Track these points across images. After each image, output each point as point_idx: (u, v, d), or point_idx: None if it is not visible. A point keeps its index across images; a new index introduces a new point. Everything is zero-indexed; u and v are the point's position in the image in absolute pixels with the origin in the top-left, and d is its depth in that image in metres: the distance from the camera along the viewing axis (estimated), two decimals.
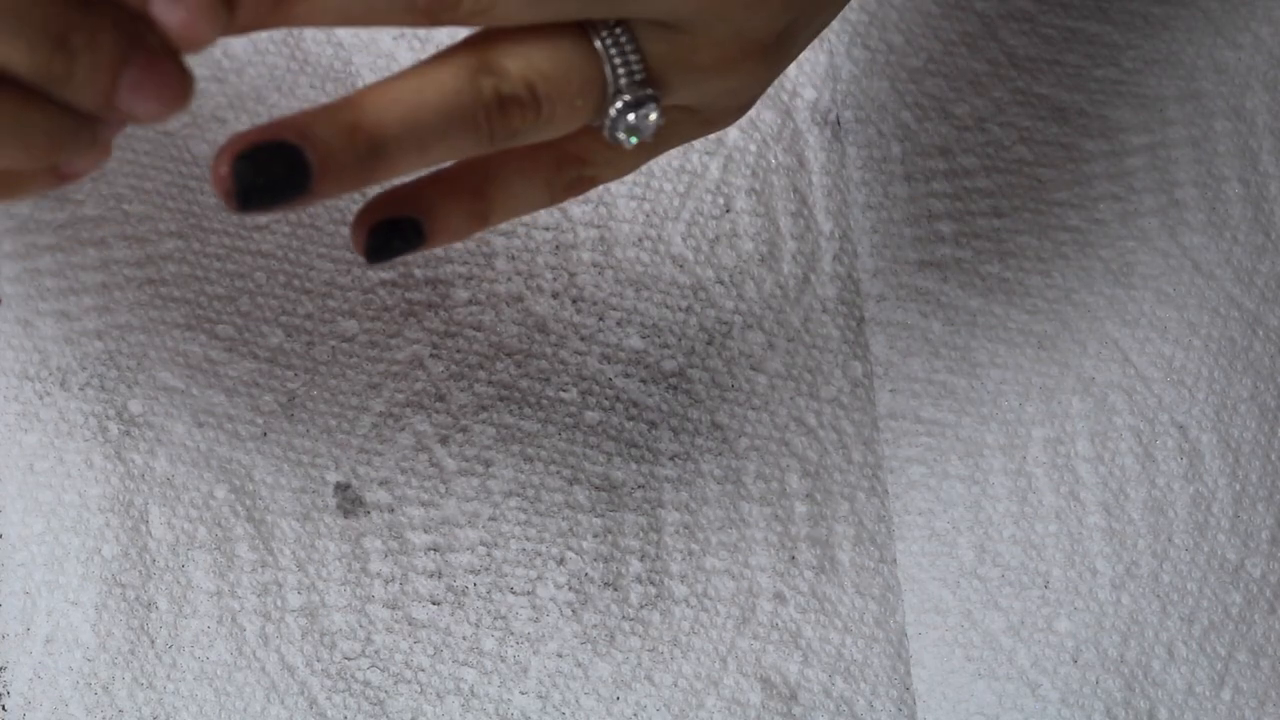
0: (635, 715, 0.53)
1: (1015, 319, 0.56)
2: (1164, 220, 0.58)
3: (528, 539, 0.53)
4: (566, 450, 0.54)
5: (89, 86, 0.37)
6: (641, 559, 0.54)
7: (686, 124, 0.44)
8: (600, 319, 0.55)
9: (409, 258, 0.54)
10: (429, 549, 0.53)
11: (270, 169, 0.38)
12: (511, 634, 0.53)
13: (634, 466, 0.54)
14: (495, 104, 0.40)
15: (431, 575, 0.53)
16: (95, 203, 0.54)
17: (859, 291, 0.56)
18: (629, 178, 0.56)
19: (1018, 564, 0.55)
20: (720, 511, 0.54)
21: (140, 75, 0.37)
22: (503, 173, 0.43)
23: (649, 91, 0.41)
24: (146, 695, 0.51)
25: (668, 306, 0.55)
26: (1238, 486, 0.56)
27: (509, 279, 0.55)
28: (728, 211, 0.56)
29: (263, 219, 0.54)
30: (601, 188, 0.55)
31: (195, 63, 0.55)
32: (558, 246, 0.55)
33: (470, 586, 0.53)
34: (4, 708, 0.51)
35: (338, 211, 0.54)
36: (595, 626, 0.53)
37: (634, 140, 0.42)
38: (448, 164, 0.42)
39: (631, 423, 0.54)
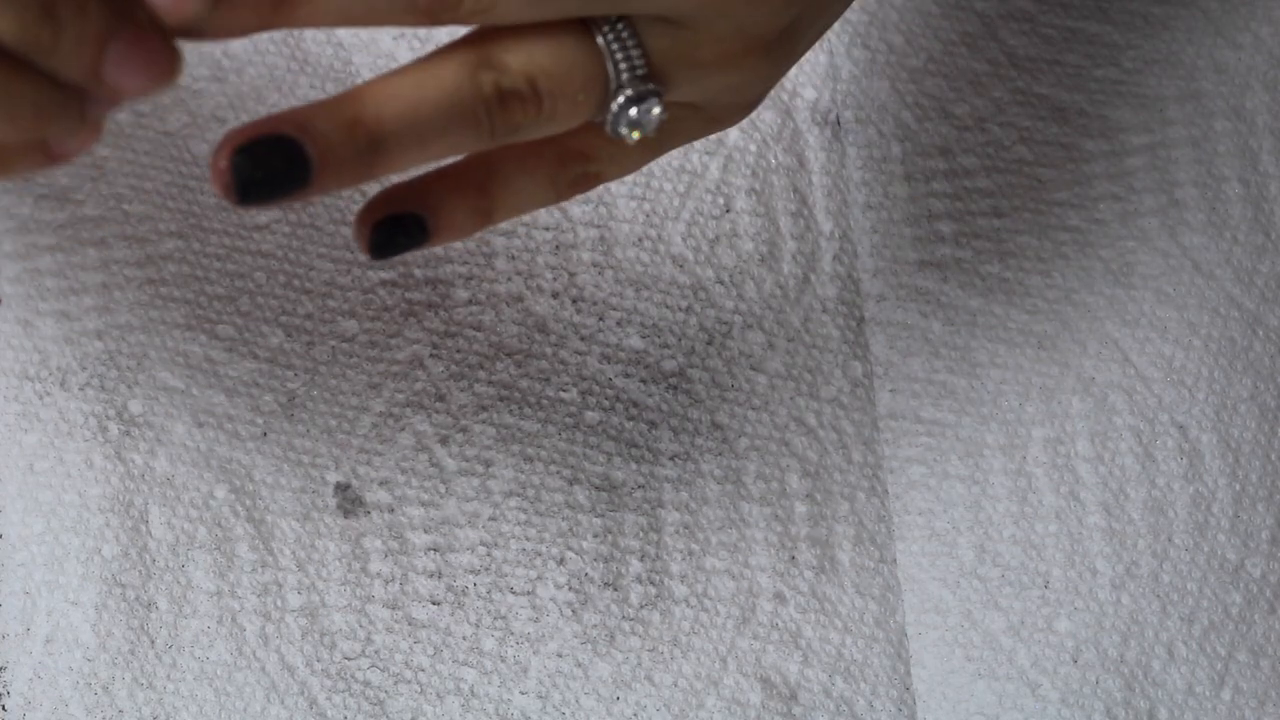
0: (635, 715, 0.53)
1: (1015, 319, 0.56)
2: (1164, 220, 0.58)
3: (528, 539, 0.53)
4: (567, 450, 0.54)
5: (75, 57, 0.36)
6: (641, 559, 0.54)
7: (691, 121, 0.44)
8: (600, 319, 0.55)
9: (409, 257, 0.54)
10: (429, 549, 0.53)
11: (269, 162, 0.38)
12: (511, 634, 0.53)
13: (634, 466, 0.54)
14: (496, 99, 0.40)
15: (431, 575, 0.53)
16: (95, 203, 0.54)
17: (859, 291, 0.56)
18: (629, 178, 0.56)
19: (1018, 564, 0.55)
20: (720, 511, 0.54)
21: (127, 48, 0.37)
22: (506, 169, 0.43)
23: (651, 86, 0.41)
24: (146, 695, 0.51)
25: (668, 306, 0.55)
26: (1238, 486, 0.56)
27: (509, 279, 0.55)
28: (728, 211, 0.56)
29: (262, 218, 0.54)
30: (602, 188, 0.55)
31: (195, 63, 0.55)
32: (558, 246, 0.55)
33: (470, 586, 0.53)
34: (4, 707, 0.51)
35: (338, 211, 0.54)
36: (595, 626, 0.53)
37: (636, 136, 0.42)
38: (451, 160, 0.42)
39: (631, 423, 0.54)
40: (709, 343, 0.55)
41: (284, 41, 0.56)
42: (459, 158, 0.43)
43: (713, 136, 0.56)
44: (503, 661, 0.53)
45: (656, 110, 0.41)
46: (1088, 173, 0.58)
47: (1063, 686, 0.54)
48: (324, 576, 0.52)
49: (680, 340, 0.55)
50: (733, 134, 0.57)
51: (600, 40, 0.40)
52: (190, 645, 0.52)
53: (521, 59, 0.40)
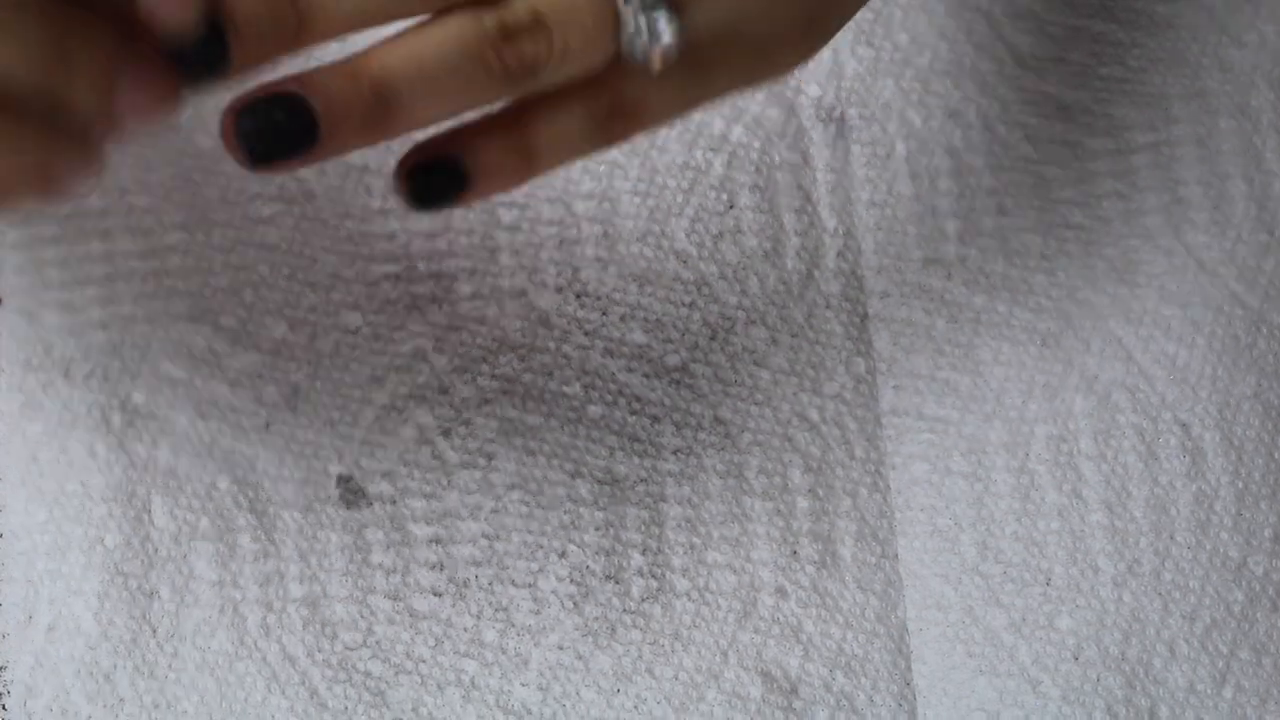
0: (636, 708, 0.53)
1: (1019, 316, 0.56)
2: (1168, 218, 0.58)
3: (529, 532, 0.53)
4: (569, 444, 0.54)
5: (88, 92, 0.37)
6: (643, 552, 0.54)
7: (733, 53, 0.43)
8: (604, 314, 0.55)
9: (413, 250, 0.54)
10: (431, 541, 0.53)
11: (273, 118, 0.38)
12: (513, 626, 0.53)
13: (636, 461, 0.54)
14: (501, 36, 0.39)
15: (433, 567, 0.53)
16: (99, 195, 0.54)
17: (862, 288, 0.56)
18: (633, 174, 0.56)
19: (1020, 561, 0.55)
20: (722, 506, 0.54)
21: (136, 76, 0.37)
22: (542, 107, 0.42)
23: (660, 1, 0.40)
24: (148, 684, 0.52)
25: (671, 302, 0.55)
26: (1240, 484, 0.55)
27: (513, 273, 0.55)
28: (731, 208, 0.56)
29: (266, 211, 0.54)
30: (605, 183, 0.55)
31: None
32: (562, 241, 0.55)
33: (472, 578, 0.53)
34: (4, 707, 0.51)
35: (342, 205, 0.55)
36: (596, 619, 0.53)
37: (657, 56, 0.41)
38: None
39: (634, 417, 0.54)
40: (712, 338, 0.55)
41: None
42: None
43: (716, 133, 0.56)
44: (504, 653, 0.53)
45: (666, 20, 0.40)
46: (1092, 170, 0.58)
47: (1064, 684, 0.54)
48: (326, 567, 0.52)
49: (683, 335, 0.55)
50: (736, 131, 0.57)
51: None
52: (192, 635, 0.52)
53: None
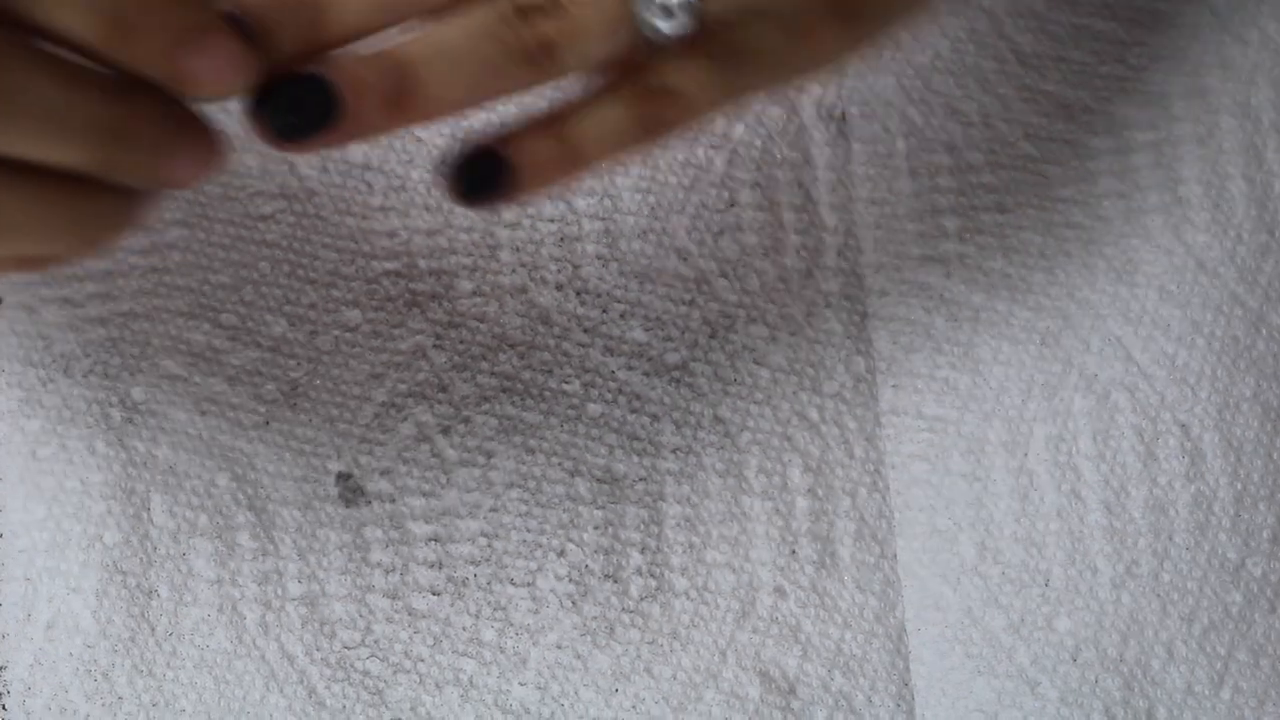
0: (634, 707, 0.53)
1: (1018, 315, 0.56)
2: (1168, 218, 0.58)
3: (528, 530, 0.53)
4: (568, 442, 0.54)
5: (141, 169, 0.39)
6: (642, 552, 0.54)
7: (764, 36, 0.44)
8: (604, 311, 0.55)
9: (413, 247, 0.54)
10: (430, 539, 0.53)
11: (294, 94, 0.39)
12: (511, 625, 0.53)
13: (636, 459, 0.54)
14: (515, 14, 0.40)
15: (432, 566, 0.53)
16: None
17: (862, 286, 0.56)
18: (634, 171, 0.56)
19: (1018, 562, 0.55)
20: (721, 505, 0.54)
21: (186, 147, 0.40)
22: (578, 102, 0.43)
23: None
24: (146, 682, 0.52)
25: (671, 299, 0.55)
26: (1239, 486, 0.55)
27: (513, 270, 0.55)
28: (732, 205, 0.56)
29: (266, 208, 0.54)
30: (606, 179, 0.55)
31: None
32: (562, 239, 0.55)
33: (470, 577, 0.53)
34: (4, 706, 0.51)
35: (342, 202, 0.55)
36: (595, 618, 0.53)
37: (671, 27, 0.41)
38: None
39: (634, 415, 0.54)
40: (712, 336, 0.55)
41: None
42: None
43: (717, 130, 0.56)
44: (502, 652, 0.53)
45: None
46: (1093, 169, 0.58)
47: (1062, 685, 0.54)
48: (324, 566, 0.52)
49: (683, 333, 0.55)
50: (738, 128, 0.57)
51: None
52: (190, 633, 0.52)
53: None
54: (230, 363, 0.53)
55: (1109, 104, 0.58)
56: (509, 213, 0.55)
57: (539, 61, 0.41)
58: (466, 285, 0.54)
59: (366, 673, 0.52)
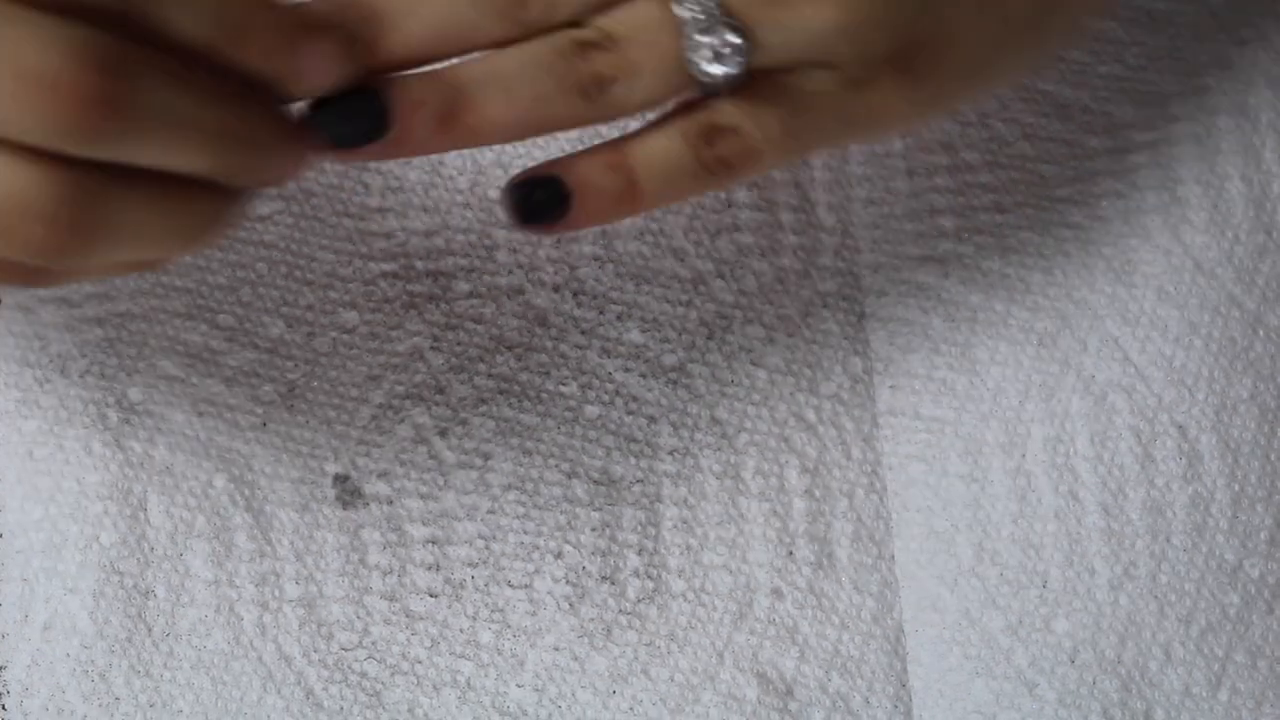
0: (631, 709, 0.53)
1: (1016, 315, 0.56)
2: (1166, 218, 0.58)
3: (526, 532, 0.53)
4: (565, 444, 0.54)
5: (253, 170, 0.41)
6: (639, 553, 0.54)
7: (825, 85, 0.44)
8: (601, 312, 0.55)
9: (410, 249, 0.54)
10: (427, 541, 0.53)
11: (347, 104, 0.41)
12: (509, 627, 0.53)
13: (633, 461, 0.54)
14: (572, 49, 0.41)
15: (429, 568, 0.53)
16: None
17: (859, 286, 0.56)
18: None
19: (1016, 563, 0.55)
20: (719, 507, 0.54)
21: (289, 147, 0.42)
22: (640, 132, 0.44)
23: (722, 14, 0.41)
24: (143, 683, 0.52)
25: (668, 300, 0.55)
26: (1236, 487, 0.55)
27: (510, 271, 0.55)
28: (729, 205, 0.56)
29: (264, 209, 0.54)
30: None
31: None
32: (559, 239, 0.55)
33: (468, 579, 0.53)
34: (4, 706, 0.51)
35: (340, 204, 0.54)
36: (592, 620, 0.53)
37: (719, 70, 0.42)
38: None
39: (631, 417, 0.54)
40: (709, 337, 0.55)
41: None
42: None
43: None
44: (499, 654, 0.53)
45: (731, 36, 0.41)
46: (1090, 169, 0.58)
47: (1060, 686, 0.54)
48: (322, 567, 0.52)
49: (680, 334, 0.55)
50: None
51: None
52: (187, 634, 0.52)
53: (594, 17, 0.42)
54: (227, 364, 0.53)
55: (1107, 104, 0.58)
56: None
57: (591, 96, 0.42)
58: (464, 286, 0.54)
59: (364, 674, 0.52)
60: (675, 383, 0.55)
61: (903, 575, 0.54)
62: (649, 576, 0.54)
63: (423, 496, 0.53)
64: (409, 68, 0.42)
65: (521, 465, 0.54)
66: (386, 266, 0.54)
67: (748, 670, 0.53)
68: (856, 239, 0.56)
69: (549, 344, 0.54)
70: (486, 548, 0.53)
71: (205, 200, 0.41)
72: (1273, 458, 0.56)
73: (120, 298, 0.53)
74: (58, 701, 0.51)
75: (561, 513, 0.54)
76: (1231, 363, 0.56)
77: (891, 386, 0.56)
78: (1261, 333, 0.57)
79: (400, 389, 0.54)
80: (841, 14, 0.43)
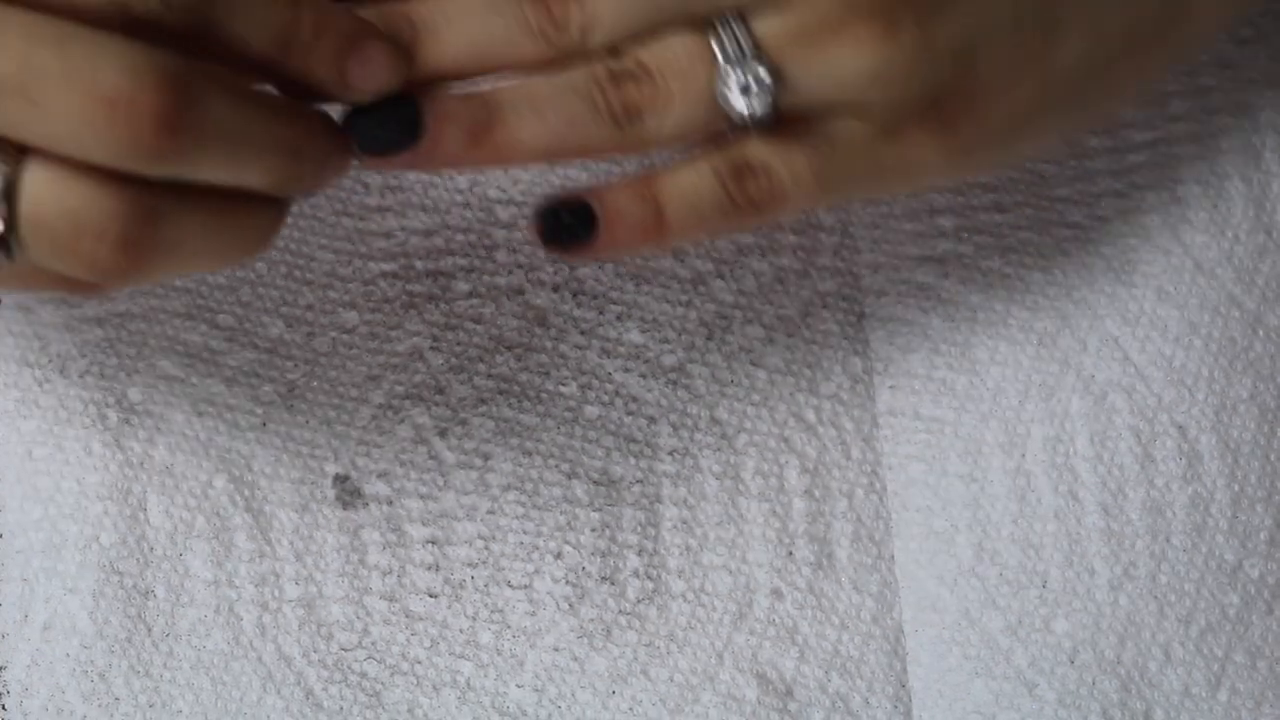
0: (631, 710, 0.53)
1: (1016, 315, 0.56)
2: (1166, 218, 0.58)
3: (525, 533, 0.53)
4: (565, 444, 0.54)
5: (304, 181, 0.41)
6: (639, 554, 0.54)
7: (857, 131, 0.45)
8: (600, 312, 0.55)
9: (410, 248, 0.54)
10: (427, 542, 0.53)
11: (380, 110, 0.42)
12: (508, 627, 0.53)
13: (633, 461, 0.54)
14: (607, 77, 0.42)
15: (429, 568, 0.53)
16: None
17: (859, 286, 0.56)
18: (630, 170, 0.55)
19: (1016, 563, 0.54)
20: (718, 507, 0.54)
21: (336, 155, 0.42)
22: (668, 167, 0.45)
23: (757, 54, 0.42)
24: (143, 683, 0.52)
25: (668, 300, 0.55)
26: (1236, 487, 0.55)
27: (510, 271, 0.55)
28: None
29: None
30: (603, 179, 0.55)
31: None
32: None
33: (468, 580, 0.53)
34: (3, 706, 0.51)
35: (339, 203, 0.54)
36: (592, 621, 0.53)
37: (750, 108, 0.43)
38: None
39: (631, 418, 0.54)
40: (709, 337, 0.55)
41: None
42: None
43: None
44: (499, 655, 0.53)
45: (763, 72, 0.42)
46: (1090, 169, 0.58)
47: (1059, 687, 0.54)
48: (322, 568, 0.52)
49: (680, 335, 0.55)
50: None
51: (707, 30, 0.42)
52: (187, 634, 0.52)
53: (631, 47, 0.43)
54: (227, 364, 0.53)
55: None
56: (505, 213, 0.55)
57: (622, 124, 0.43)
58: (463, 286, 0.54)
59: (364, 674, 0.52)
60: (675, 383, 0.55)
61: (902, 575, 0.54)
62: (649, 577, 0.54)
63: (422, 497, 0.53)
64: (445, 79, 0.42)
65: (521, 465, 0.54)
66: (386, 266, 0.54)
67: (747, 670, 0.53)
68: (856, 239, 0.56)
69: (549, 344, 0.54)
70: (486, 548, 0.53)
71: (257, 212, 0.41)
72: (1273, 458, 0.56)
73: (120, 298, 0.53)
74: (58, 701, 0.51)
75: (561, 513, 0.54)
76: (1231, 363, 0.56)
77: (891, 386, 0.56)
78: (1261, 333, 0.57)
79: (400, 389, 0.54)
80: (872, 59, 0.43)
